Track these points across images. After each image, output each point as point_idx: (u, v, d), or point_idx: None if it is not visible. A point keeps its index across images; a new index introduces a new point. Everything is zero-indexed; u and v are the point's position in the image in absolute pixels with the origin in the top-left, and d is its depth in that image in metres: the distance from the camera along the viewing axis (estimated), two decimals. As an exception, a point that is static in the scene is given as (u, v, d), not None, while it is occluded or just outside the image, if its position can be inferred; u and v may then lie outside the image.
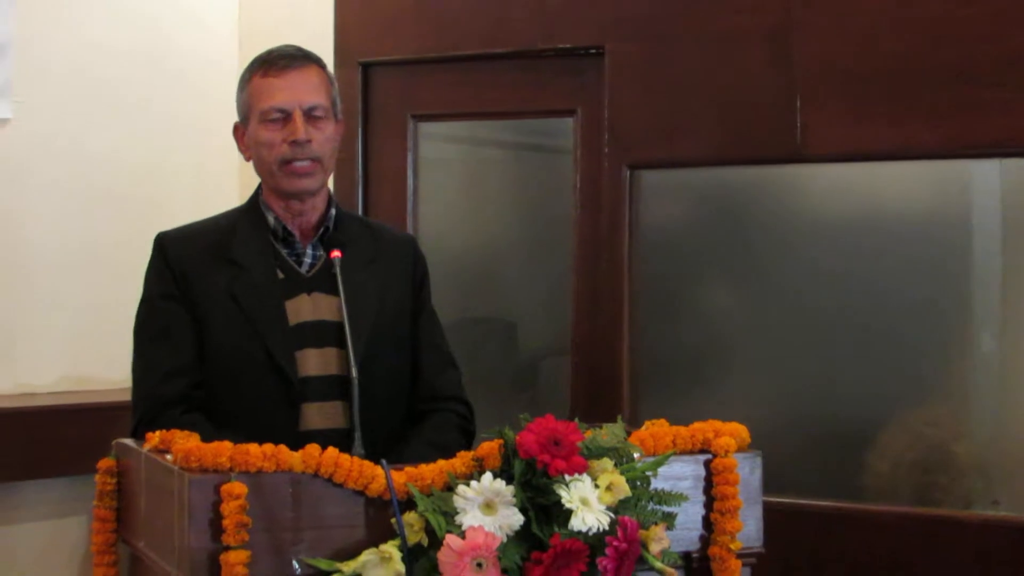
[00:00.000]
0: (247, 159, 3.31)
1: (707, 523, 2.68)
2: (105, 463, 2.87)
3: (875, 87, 4.38)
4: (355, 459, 2.42)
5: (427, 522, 2.38)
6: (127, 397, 3.43)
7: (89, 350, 4.88)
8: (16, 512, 4.67)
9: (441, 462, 2.46)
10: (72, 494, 4.69)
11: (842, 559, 4.31)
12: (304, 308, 3.23)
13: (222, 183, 5.01)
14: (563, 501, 2.36)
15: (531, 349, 5.50)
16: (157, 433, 2.66)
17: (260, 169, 3.21)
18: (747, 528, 2.71)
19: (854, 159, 4.46)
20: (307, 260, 3.23)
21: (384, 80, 5.06)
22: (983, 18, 4.26)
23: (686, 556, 2.65)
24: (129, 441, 2.92)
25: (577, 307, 4.96)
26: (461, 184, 5.53)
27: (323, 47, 4.83)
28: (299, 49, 3.35)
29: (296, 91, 3.16)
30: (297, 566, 2.35)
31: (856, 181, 4.60)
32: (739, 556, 2.69)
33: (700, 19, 4.59)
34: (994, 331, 4.42)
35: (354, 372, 2.98)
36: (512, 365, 5.49)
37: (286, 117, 3.11)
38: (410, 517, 2.35)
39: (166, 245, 3.25)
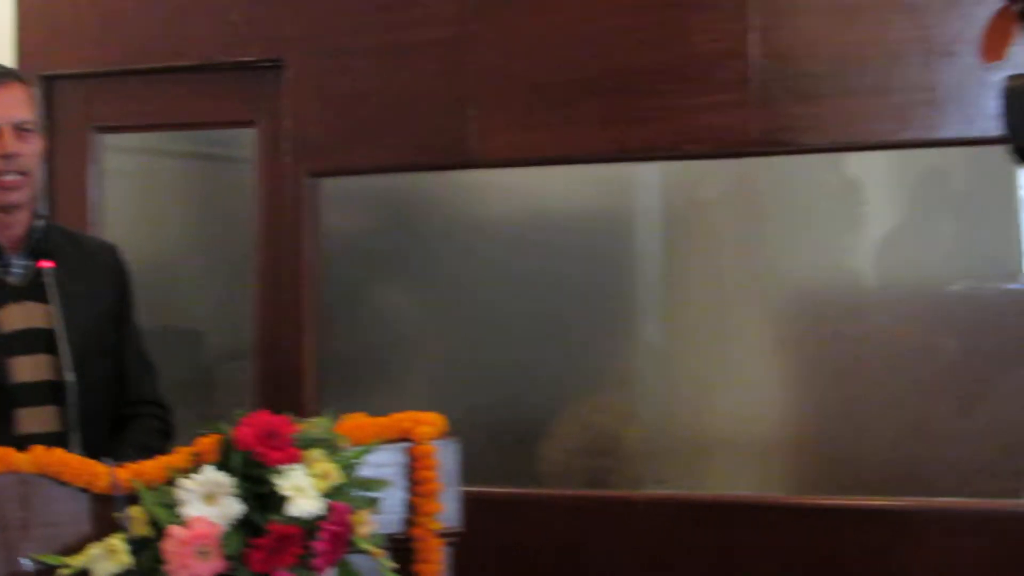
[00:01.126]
0: None
1: (410, 506, 2.80)
2: None
3: (545, 95, 4.57)
4: (81, 458, 2.45)
5: (152, 515, 2.43)
6: None
7: None
8: None
9: (162, 458, 2.52)
10: None
11: (522, 543, 4.47)
12: (15, 317, 3.25)
13: None
14: (279, 490, 2.44)
15: (216, 354, 5.54)
16: None
17: None
18: (447, 510, 2.84)
19: (525, 163, 4.66)
20: (16, 271, 3.24)
21: (66, 93, 5.00)
22: (644, 30, 4.53)
23: (391, 537, 2.73)
24: None
25: (260, 312, 5.03)
26: (145, 195, 5.52)
27: (4, 60, 4.79)
28: (3, 66, 3.39)
29: (4, 107, 3.20)
30: (26, 563, 2.37)
31: (528, 184, 4.80)
32: (440, 536, 2.82)
33: (376, 33, 4.72)
34: (657, 323, 4.71)
35: (68, 377, 3.08)
36: (197, 370, 5.50)
37: None
38: (135, 511, 2.39)
39: None
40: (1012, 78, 2.75)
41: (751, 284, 4.77)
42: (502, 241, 4.94)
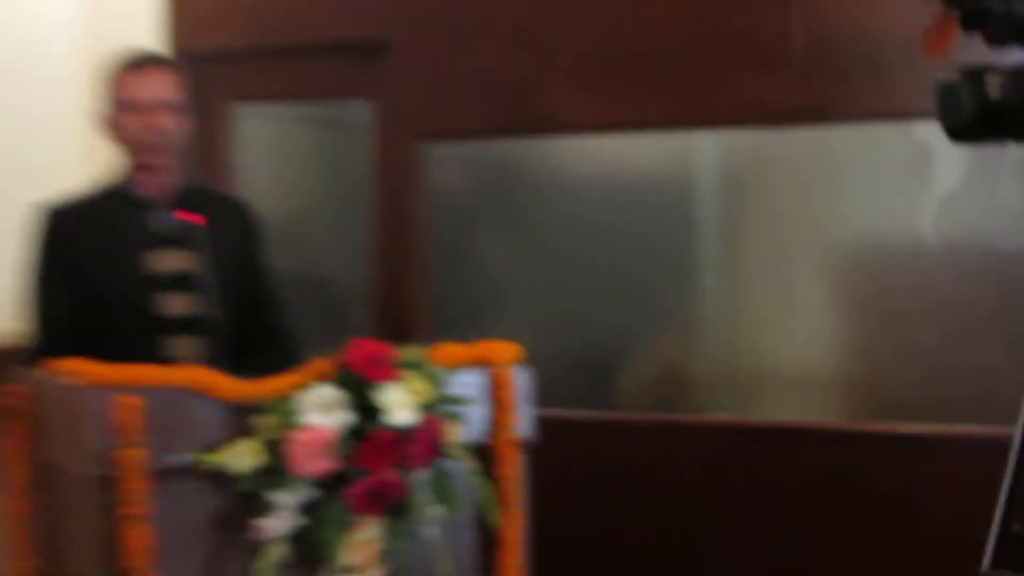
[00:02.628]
0: (114, 141, 3.71)
1: (490, 420, 3.17)
2: (14, 388, 3.21)
3: (615, 67, 4.81)
4: (223, 376, 2.90)
5: (278, 423, 2.84)
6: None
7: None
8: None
9: (289, 376, 2.92)
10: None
11: (594, 461, 4.78)
12: (166, 260, 3.65)
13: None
14: (382, 403, 2.84)
15: (342, 299, 5.78)
16: (62, 363, 3.03)
17: (130, 149, 3.67)
18: (522, 423, 3.19)
19: (600, 130, 4.94)
20: (163, 221, 3.58)
21: (212, 69, 5.36)
22: (703, 5, 4.76)
23: (475, 446, 3.12)
24: (33, 371, 3.31)
25: (377, 264, 5.36)
26: (280, 157, 5.94)
27: (157, 41, 5.38)
28: (155, 53, 3.87)
29: (158, 90, 3.65)
30: (179, 460, 2.78)
31: (603, 149, 5.09)
32: (516, 446, 3.18)
33: (472, 14, 5.02)
34: (715, 272, 4.97)
35: (213, 312, 3.49)
36: (326, 313, 5.68)
37: (150, 108, 3.59)
38: (265, 420, 2.82)
39: (48, 216, 3.69)
40: (942, 78, 3.01)
41: (808, 238, 4.95)
42: (584, 200, 5.17)
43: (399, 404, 2.95)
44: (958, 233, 4.77)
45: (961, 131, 3.00)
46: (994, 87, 2.93)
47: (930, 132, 4.44)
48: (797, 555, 4.84)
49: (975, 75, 2.92)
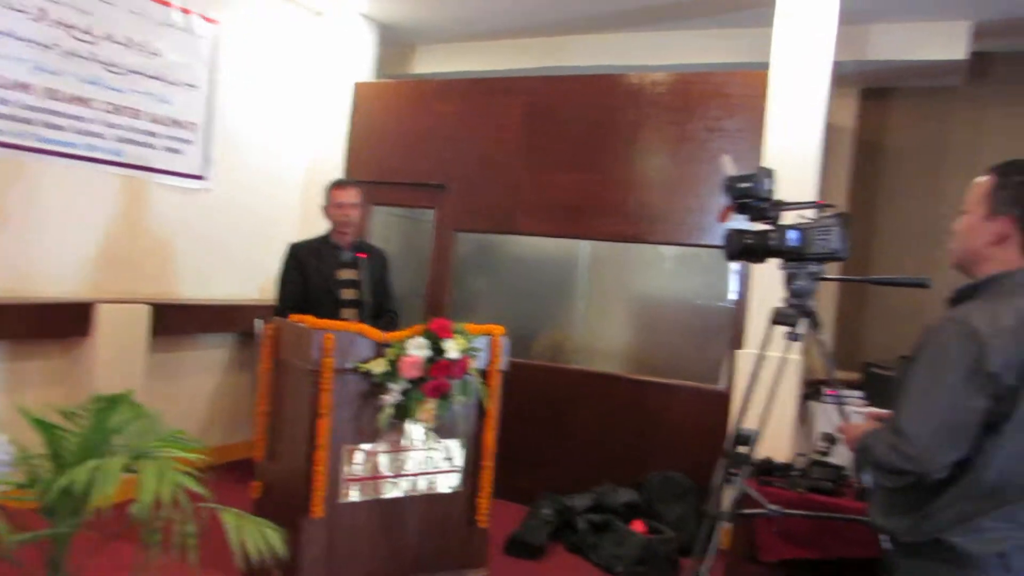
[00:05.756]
0: (327, 218, 5.66)
1: (489, 359, 4.89)
2: (270, 326, 4.93)
3: (550, 210, 7.24)
4: (370, 327, 4.52)
5: (395, 352, 4.45)
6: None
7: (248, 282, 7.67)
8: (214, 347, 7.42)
9: (402, 331, 4.52)
10: (241, 342, 7.61)
11: (524, 382, 6.42)
12: (345, 273, 5.56)
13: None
14: (445, 347, 4.55)
15: (414, 298, 7.83)
16: (291, 317, 4.70)
17: (333, 222, 5.55)
18: (503, 363, 4.87)
19: (538, 235, 7.15)
20: (347, 255, 5.59)
21: (365, 189, 6.34)
22: (588, 188, 7.16)
23: (481, 370, 4.88)
24: (278, 319, 4.99)
25: (431, 284, 7.70)
26: (392, 234, 8.27)
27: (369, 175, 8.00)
28: (348, 179, 5.87)
29: (349, 196, 5.67)
30: (349, 365, 4.39)
31: (539, 243, 7.39)
32: (500, 372, 4.97)
33: (485, 176, 7.51)
34: (581, 301, 7.70)
35: (365, 298, 5.29)
36: (407, 303, 7.46)
37: (345, 205, 5.45)
38: (392, 350, 4.45)
39: (292, 247, 5.58)
40: (728, 229, 4.32)
41: (622, 289, 7.67)
42: (526, 264, 7.87)
43: (451, 348, 4.62)
44: (680, 292, 7.33)
45: (732, 256, 4.42)
46: (748, 237, 4.31)
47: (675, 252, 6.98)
48: (608, 437, 6.87)
49: (741, 231, 4.35)
